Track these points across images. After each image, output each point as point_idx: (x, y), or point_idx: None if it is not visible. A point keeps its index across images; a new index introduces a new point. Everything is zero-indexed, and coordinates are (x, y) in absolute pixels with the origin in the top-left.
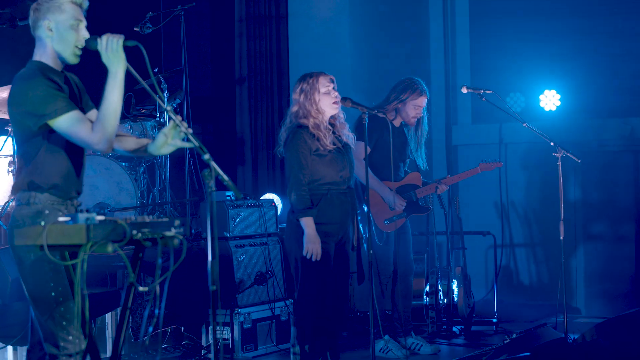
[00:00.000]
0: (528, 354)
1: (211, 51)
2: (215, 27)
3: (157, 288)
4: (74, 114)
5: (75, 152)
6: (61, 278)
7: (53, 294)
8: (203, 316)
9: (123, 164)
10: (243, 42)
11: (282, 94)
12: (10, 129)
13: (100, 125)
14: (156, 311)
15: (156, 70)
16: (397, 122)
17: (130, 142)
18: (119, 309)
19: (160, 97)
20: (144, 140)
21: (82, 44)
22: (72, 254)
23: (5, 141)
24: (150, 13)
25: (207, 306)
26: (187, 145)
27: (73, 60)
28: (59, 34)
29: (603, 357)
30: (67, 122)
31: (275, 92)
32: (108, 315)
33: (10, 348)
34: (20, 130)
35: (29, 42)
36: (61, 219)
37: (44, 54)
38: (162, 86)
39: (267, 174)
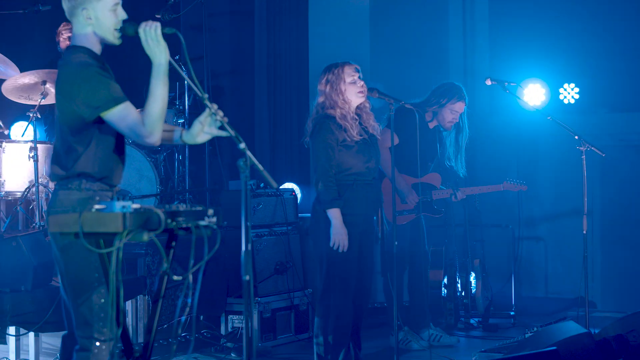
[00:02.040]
0: (554, 348)
1: (230, 39)
2: (235, 15)
3: (191, 277)
4: (126, 105)
5: (121, 141)
6: (99, 266)
7: (93, 281)
8: (221, 305)
9: (143, 151)
10: (262, 31)
11: (300, 82)
12: (31, 115)
13: (149, 119)
14: (189, 300)
15: (177, 57)
16: (432, 124)
17: (164, 134)
18: (139, 297)
19: (197, 86)
20: (177, 129)
21: (119, 25)
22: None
23: (26, 127)
24: (171, 0)
25: (226, 295)
26: (223, 133)
27: (116, 42)
28: (98, 21)
29: (628, 351)
30: (120, 114)
31: (294, 81)
32: (128, 303)
33: (31, 334)
34: (71, 119)
35: (50, 28)
36: (97, 206)
37: (85, 40)
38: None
39: (286, 163)
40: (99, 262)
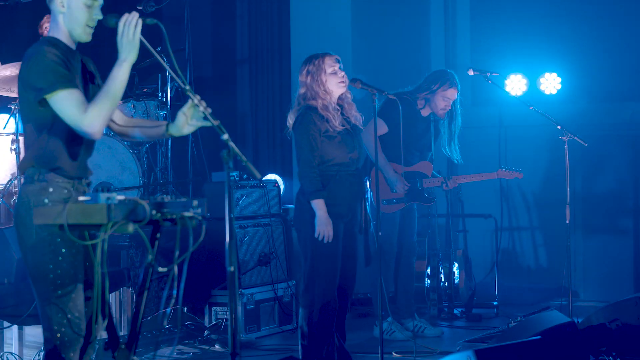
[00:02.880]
0: (539, 337)
1: (212, 31)
2: (217, 6)
3: (176, 268)
4: (71, 91)
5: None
6: (61, 261)
7: (51, 276)
8: (205, 297)
9: (126, 142)
10: (244, 22)
11: (283, 74)
12: (13, 107)
13: (94, 108)
14: (174, 292)
15: (159, 49)
16: (425, 112)
17: (150, 130)
18: (122, 289)
19: (180, 77)
20: (161, 123)
21: (93, 23)
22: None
23: (8, 120)
24: None
25: (209, 287)
26: (207, 124)
27: (84, 38)
28: (71, 11)
29: (611, 340)
30: (61, 99)
31: (277, 72)
32: (112, 295)
33: (15, 327)
34: (24, 105)
35: (33, 21)
36: (81, 198)
37: (56, 30)
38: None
39: (268, 154)
40: (66, 256)
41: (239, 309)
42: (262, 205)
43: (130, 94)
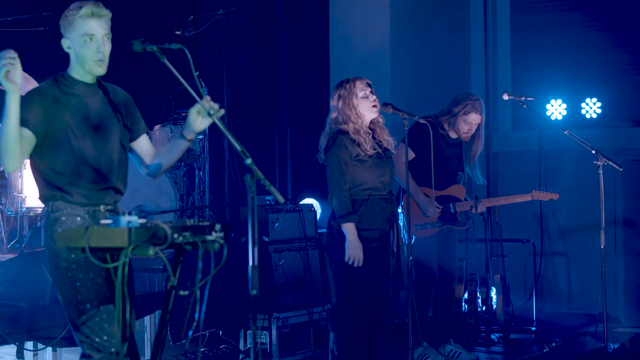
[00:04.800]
0: None
1: (251, 55)
2: (255, 32)
3: (198, 292)
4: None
5: (98, 167)
6: (80, 286)
7: (73, 302)
8: (241, 320)
9: None
10: (283, 47)
11: (322, 99)
12: None
13: None
14: (196, 315)
15: (197, 73)
16: (453, 135)
17: (171, 147)
18: (157, 312)
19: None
20: (176, 139)
21: (102, 56)
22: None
23: None
24: (192, 17)
25: (245, 310)
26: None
27: (99, 71)
28: (75, 51)
29: None
30: None
31: (315, 97)
32: (147, 318)
33: (49, 349)
34: None
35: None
36: (103, 221)
37: (71, 66)
38: (202, 90)
39: (306, 179)
40: (91, 280)
41: (274, 332)
42: (298, 229)
43: (168, 118)
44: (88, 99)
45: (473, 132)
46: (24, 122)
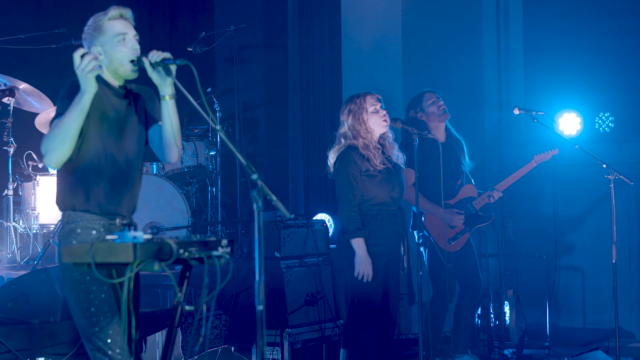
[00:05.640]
0: None
1: (264, 71)
2: (268, 47)
3: (204, 307)
4: (56, 121)
5: (116, 168)
6: (93, 298)
7: (87, 314)
8: (254, 336)
9: (176, 183)
10: (295, 63)
11: (334, 114)
12: None
13: (50, 135)
14: (202, 330)
15: (209, 90)
16: (441, 137)
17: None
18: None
19: (210, 116)
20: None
21: (135, 55)
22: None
23: None
24: (204, 33)
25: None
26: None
27: (131, 75)
28: (108, 56)
29: None
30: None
31: (328, 112)
32: (158, 335)
33: None
34: None
35: None
36: (108, 237)
37: (103, 74)
38: (214, 106)
39: (320, 194)
40: (100, 294)
41: (286, 348)
42: (310, 244)
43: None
44: (116, 103)
45: (443, 106)
46: None
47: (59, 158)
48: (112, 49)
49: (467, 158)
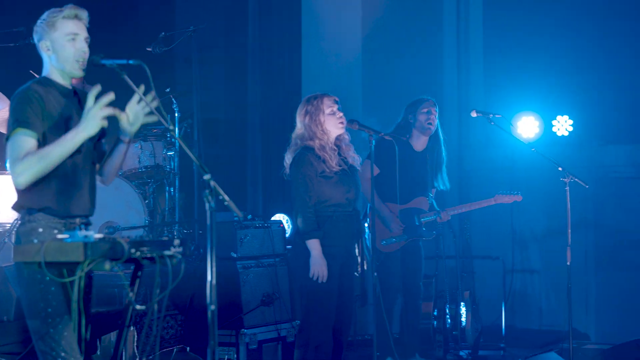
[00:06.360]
0: None
1: (224, 72)
2: (229, 48)
3: (156, 307)
4: (24, 134)
5: (62, 169)
6: (51, 299)
7: (42, 314)
8: (207, 336)
9: (133, 182)
10: (255, 64)
11: (293, 115)
12: None
13: (28, 161)
14: (154, 329)
15: (168, 90)
16: (419, 146)
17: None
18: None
19: (163, 116)
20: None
21: (81, 57)
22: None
23: None
24: (163, 33)
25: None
26: (152, 119)
27: (77, 73)
28: (56, 52)
29: None
30: (13, 139)
31: (287, 113)
32: (114, 334)
33: None
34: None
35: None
36: (59, 236)
37: (48, 70)
38: (173, 106)
39: (277, 194)
40: (56, 294)
41: (241, 349)
42: (267, 245)
43: (138, 134)
44: (65, 104)
45: (434, 121)
46: (31, 126)
47: (32, 181)
48: (61, 46)
49: (444, 176)
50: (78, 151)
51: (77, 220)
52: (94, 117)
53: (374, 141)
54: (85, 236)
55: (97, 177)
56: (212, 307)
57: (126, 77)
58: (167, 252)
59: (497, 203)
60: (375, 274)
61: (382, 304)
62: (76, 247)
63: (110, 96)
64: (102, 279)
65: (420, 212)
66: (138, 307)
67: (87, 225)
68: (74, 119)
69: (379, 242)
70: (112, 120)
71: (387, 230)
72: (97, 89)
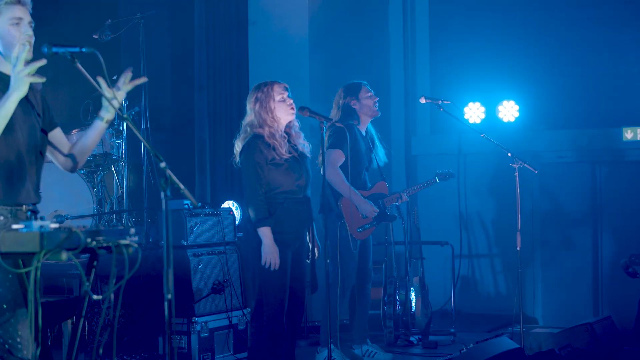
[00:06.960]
0: None
1: (171, 59)
2: (175, 35)
3: (112, 296)
4: None
5: (20, 161)
6: (7, 289)
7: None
8: (160, 325)
9: (81, 171)
10: (202, 50)
11: (241, 102)
12: None
13: None
14: (108, 318)
15: (115, 78)
16: (364, 130)
17: (90, 133)
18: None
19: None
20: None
21: (28, 38)
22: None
23: None
24: (109, 21)
25: (164, 315)
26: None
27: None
28: (1, 38)
29: None
30: None
31: (235, 100)
32: (65, 324)
33: None
34: None
35: None
36: (15, 226)
37: None
38: None
39: (226, 182)
40: (11, 283)
41: (193, 337)
42: (217, 233)
43: (85, 122)
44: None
45: (376, 100)
46: None
47: None
48: (5, 31)
49: (380, 152)
50: (23, 142)
51: (24, 207)
52: (20, 76)
53: (325, 127)
54: (41, 226)
55: (65, 163)
56: (169, 295)
57: (79, 65)
58: (123, 241)
59: (440, 181)
60: (328, 260)
61: (339, 291)
62: (32, 237)
63: (42, 62)
64: (50, 268)
65: (383, 196)
66: (95, 297)
67: (34, 213)
68: (18, 110)
69: (355, 230)
70: (57, 108)
71: (359, 218)
72: (26, 53)
